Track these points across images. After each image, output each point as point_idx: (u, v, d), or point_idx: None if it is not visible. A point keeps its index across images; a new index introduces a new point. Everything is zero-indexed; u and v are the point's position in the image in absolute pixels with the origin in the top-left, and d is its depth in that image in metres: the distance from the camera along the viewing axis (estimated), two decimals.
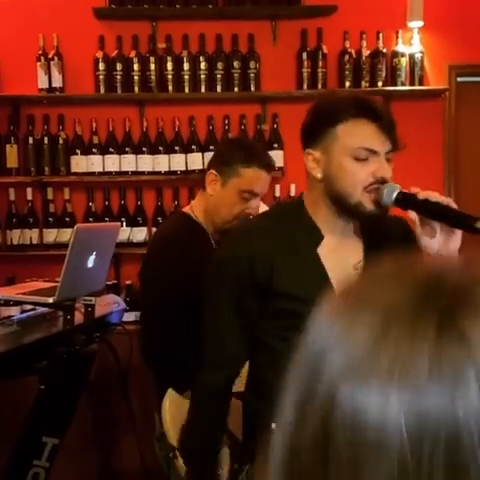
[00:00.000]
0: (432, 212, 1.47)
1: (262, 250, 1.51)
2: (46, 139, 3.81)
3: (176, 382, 2.06)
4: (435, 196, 1.46)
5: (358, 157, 1.50)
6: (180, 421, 2.09)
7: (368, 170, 1.50)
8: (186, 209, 2.41)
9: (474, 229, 1.40)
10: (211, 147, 3.80)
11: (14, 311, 3.63)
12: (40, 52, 3.79)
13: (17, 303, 2.28)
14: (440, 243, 1.47)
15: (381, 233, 1.59)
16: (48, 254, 3.82)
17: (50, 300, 2.09)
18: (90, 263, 2.17)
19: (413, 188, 1.51)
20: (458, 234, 1.47)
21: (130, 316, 3.28)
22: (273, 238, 1.54)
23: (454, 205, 1.47)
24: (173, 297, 2.13)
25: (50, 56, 3.78)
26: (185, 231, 2.28)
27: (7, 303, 3.55)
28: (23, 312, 2.79)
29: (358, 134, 1.50)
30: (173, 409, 2.11)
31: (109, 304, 2.56)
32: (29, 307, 2.91)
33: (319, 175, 1.56)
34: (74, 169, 3.81)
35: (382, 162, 1.51)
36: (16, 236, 3.80)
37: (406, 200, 1.48)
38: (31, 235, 3.81)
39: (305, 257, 1.54)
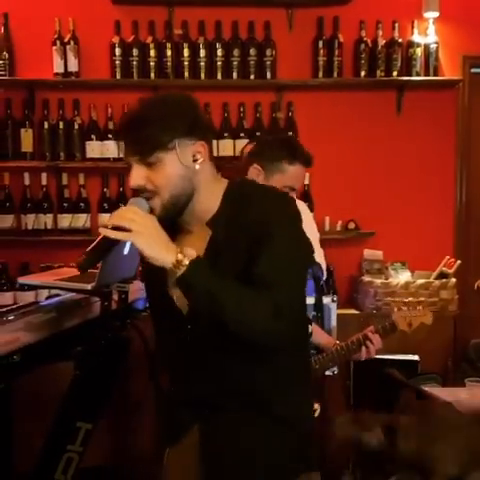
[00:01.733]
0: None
1: None
2: (61, 124, 3.80)
3: None
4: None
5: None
6: None
7: (129, 181, 1.56)
8: None
9: None
10: (225, 134, 3.82)
11: (31, 297, 3.67)
12: (56, 36, 3.76)
13: (53, 289, 2.28)
14: None
15: (237, 212, 1.56)
16: (62, 239, 3.82)
17: (88, 287, 2.10)
18: (126, 250, 2.18)
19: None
20: None
21: None
22: None
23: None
24: None
25: (66, 40, 3.76)
26: None
27: (22, 288, 3.57)
28: (48, 298, 2.81)
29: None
30: None
31: (137, 291, 2.57)
32: (53, 293, 2.93)
33: None
34: (89, 154, 3.80)
35: (131, 173, 1.53)
36: (30, 221, 3.80)
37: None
38: (45, 220, 3.81)
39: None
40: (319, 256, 2.84)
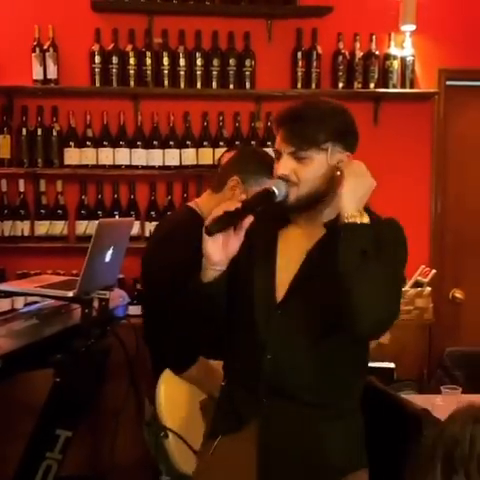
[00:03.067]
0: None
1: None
2: (40, 131, 3.79)
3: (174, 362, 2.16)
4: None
5: (276, 157, 1.71)
6: (175, 403, 2.17)
7: (277, 168, 1.69)
8: (192, 205, 2.43)
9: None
10: (205, 143, 3.84)
11: (6, 304, 3.64)
12: (35, 43, 3.76)
13: (21, 295, 2.28)
14: None
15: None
16: (39, 246, 3.80)
17: (70, 294, 2.10)
18: (108, 257, 2.20)
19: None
20: None
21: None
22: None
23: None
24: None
25: (45, 47, 3.76)
26: (190, 227, 2.30)
27: (8, 295, 3.55)
28: (26, 305, 2.80)
29: (277, 138, 1.71)
30: (168, 391, 2.19)
31: (117, 298, 2.58)
32: (30, 300, 2.92)
33: None
34: (67, 161, 3.79)
35: (282, 162, 1.67)
36: (7, 228, 3.77)
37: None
38: (22, 227, 3.79)
39: (269, 235, 1.75)
40: None
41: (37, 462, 2.24)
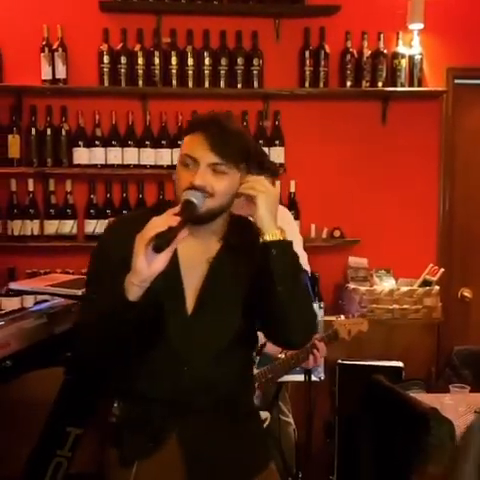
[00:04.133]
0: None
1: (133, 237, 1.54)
2: (49, 130, 3.81)
3: None
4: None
5: (184, 163, 1.63)
6: None
7: (189, 176, 1.61)
8: None
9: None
10: None
11: (16, 302, 3.66)
12: (44, 43, 3.78)
13: (32, 294, 2.29)
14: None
15: (240, 238, 1.73)
16: (49, 245, 3.82)
17: (79, 293, 2.11)
18: None
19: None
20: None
21: None
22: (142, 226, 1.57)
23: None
24: None
25: (54, 47, 3.78)
26: None
27: (18, 294, 3.57)
28: (36, 303, 2.81)
29: (187, 144, 1.65)
30: None
31: None
32: (39, 298, 2.94)
33: (174, 176, 1.71)
34: (76, 161, 3.81)
35: (200, 171, 1.60)
36: (17, 227, 3.80)
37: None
38: (32, 226, 3.81)
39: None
40: (304, 262, 2.87)
41: (47, 460, 2.24)
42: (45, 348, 2.07)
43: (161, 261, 1.48)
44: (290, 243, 1.65)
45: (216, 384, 1.68)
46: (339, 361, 3.60)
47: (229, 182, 1.64)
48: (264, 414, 2.44)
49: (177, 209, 1.51)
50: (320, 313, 2.80)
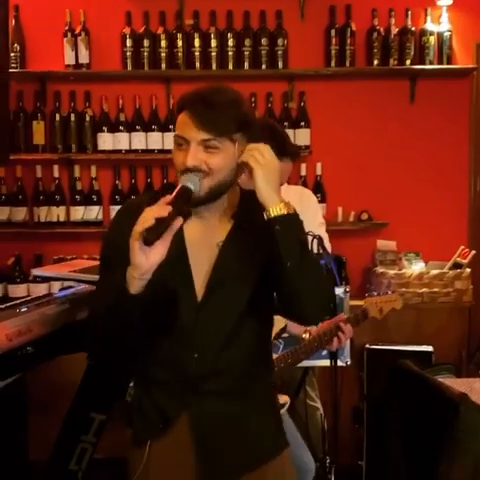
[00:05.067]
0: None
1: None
2: (73, 116, 3.80)
3: None
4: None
5: (178, 143, 1.59)
6: None
7: (181, 157, 1.57)
8: None
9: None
10: None
11: (44, 288, 3.68)
12: (67, 28, 3.76)
13: (66, 281, 2.29)
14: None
15: (252, 216, 1.66)
16: (75, 231, 3.83)
17: None
18: None
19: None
20: None
21: None
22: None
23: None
24: None
25: (77, 32, 3.76)
26: None
27: (35, 280, 3.59)
28: (61, 289, 2.81)
29: (178, 124, 1.60)
30: None
31: None
32: (66, 284, 2.94)
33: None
34: (101, 147, 3.80)
35: (191, 150, 1.55)
36: (43, 213, 3.81)
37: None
38: (58, 212, 3.82)
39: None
40: (327, 244, 2.82)
41: (72, 445, 2.26)
42: (68, 334, 2.06)
43: (159, 253, 1.44)
44: (296, 216, 1.58)
45: (227, 368, 1.66)
46: (367, 346, 3.55)
47: (224, 156, 1.57)
48: (283, 398, 2.40)
49: (170, 197, 1.46)
50: (345, 297, 2.75)
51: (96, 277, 2.13)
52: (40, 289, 3.66)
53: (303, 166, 3.83)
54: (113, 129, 3.80)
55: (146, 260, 1.44)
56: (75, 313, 2.12)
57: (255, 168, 1.54)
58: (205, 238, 1.65)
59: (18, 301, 2.22)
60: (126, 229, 1.50)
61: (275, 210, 1.55)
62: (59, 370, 2.80)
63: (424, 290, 3.68)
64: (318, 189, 3.81)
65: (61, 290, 2.68)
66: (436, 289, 3.68)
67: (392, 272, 3.72)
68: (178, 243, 1.59)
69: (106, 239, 1.70)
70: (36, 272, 2.34)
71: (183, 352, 1.63)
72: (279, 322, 2.36)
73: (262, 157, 1.56)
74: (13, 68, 3.71)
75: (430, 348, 3.49)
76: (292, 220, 1.57)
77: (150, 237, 1.41)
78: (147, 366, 1.69)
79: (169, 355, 1.65)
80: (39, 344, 1.90)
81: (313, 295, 1.60)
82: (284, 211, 1.55)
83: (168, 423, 1.66)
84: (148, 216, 1.42)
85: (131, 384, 1.75)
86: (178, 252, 1.60)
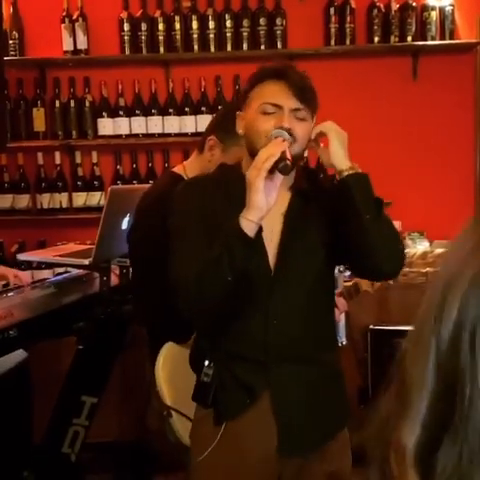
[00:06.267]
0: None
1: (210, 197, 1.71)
2: (72, 102, 3.80)
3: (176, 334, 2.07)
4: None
5: (264, 111, 1.67)
6: (174, 379, 2.08)
7: (271, 122, 1.66)
8: (178, 169, 2.33)
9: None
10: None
11: (47, 274, 3.71)
12: (64, 14, 3.75)
13: (52, 265, 2.29)
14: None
15: (309, 187, 1.78)
16: (78, 218, 3.84)
17: (86, 262, 2.10)
18: (124, 225, 2.18)
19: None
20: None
21: None
22: (216, 186, 1.74)
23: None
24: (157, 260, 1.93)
25: (74, 17, 3.75)
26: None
27: (40, 266, 3.62)
28: (56, 275, 2.83)
29: (265, 92, 1.69)
30: (167, 366, 2.11)
31: None
32: (61, 270, 2.95)
33: (241, 131, 1.76)
34: (101, 132, 3.80)
35: (284, 115, 1.65)
36: (46, 200, 3.82)
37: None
38: (60, 199, 3.83)
39: (243, 199, 1.63)
40: None
41: (64, 427, 2.28)
42: (53, 318, 2.07)
43: (273, 197, 1.55)
44: (367, 176, 1.70)
45: (303, 336, 1.71)
46: (371, 327, 3.52)
47: (308, 128, 1.69)
48: None
49: (278, 140, 1.58)
50: (339, 276, 2.71)
51: (80, 261, 2.14)
52: (44, 275, 3.69)
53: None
54: (113, 114, 3.80)
55: (266, 202, 1.53)
56: (61, 298, 2.13)
57: (330, 134, 1.68)
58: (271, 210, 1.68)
59: (8, 287, 2.23)
60: (199, 201, 1.66)
61: (349, 170, 1.66)
62: (63, 354, 2.83)
63: (428, 269, 3.63)
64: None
65: (56, 276, 2.70)
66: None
67: None
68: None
69: (180, 210, 1.73)
70: (21, 257, 2.35)
71: (261, 321, 1.67)
72: None
73: (335, 126, 1.72)
74: (12, 55, 3.72)
75: None
76: (365, 178, 1.68)
77: (286, 166, 1.53)
78: (226, 341, 1.72)
79: (247, 326, 1.68)
80: (22, 328, 1.90)
81: (392, 246, 1.69)
82: (357, 170, 1.68)
83: (253, 398, 1.69)
84: (271, 152, 1.54)
85: (206, 363, 1.73)
86: None
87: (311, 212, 1.73)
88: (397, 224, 3.83)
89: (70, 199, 3.85)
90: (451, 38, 3.80)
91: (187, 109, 3.79)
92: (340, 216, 1.68)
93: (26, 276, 2.23)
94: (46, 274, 3.68)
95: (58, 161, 3.83)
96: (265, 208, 1.53)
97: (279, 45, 3.78)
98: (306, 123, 1.69)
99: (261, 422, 1.69)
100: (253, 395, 1.69)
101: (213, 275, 1.56)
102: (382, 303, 2.86)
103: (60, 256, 2.18)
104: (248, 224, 1.53)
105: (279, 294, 1.69)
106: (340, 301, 2.50)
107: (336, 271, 2.75)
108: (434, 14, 3.77)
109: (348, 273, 3.52)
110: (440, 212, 3.88)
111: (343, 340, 2.73)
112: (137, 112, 3.80)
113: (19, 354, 2.07)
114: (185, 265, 1.61)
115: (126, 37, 3.77)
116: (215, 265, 1.55)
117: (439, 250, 3.67)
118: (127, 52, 3.78)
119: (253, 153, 1.65)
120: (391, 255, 1.69)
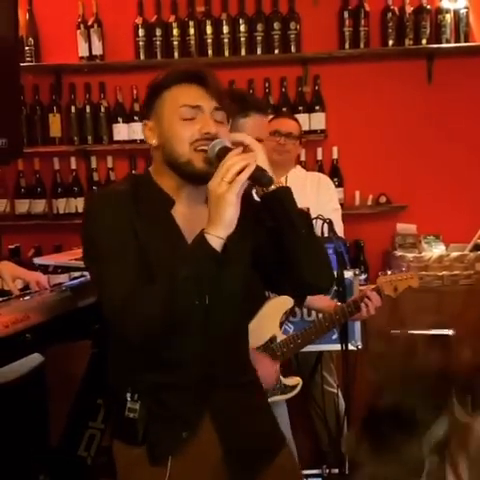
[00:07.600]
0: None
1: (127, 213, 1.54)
2: (88, 108, 3.83)
3: None
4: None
5: (184, 116, 1.54)
6: None
7: (194, 128, 1.54)
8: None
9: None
10: None
11: (63, 278, 3.73)
12: (80, 20, 3.78)
13: (68, 269, 2.30)
14: None
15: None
16: None
17: None
18: None
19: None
20: None
21: None
22: (131, 201, 1.57)
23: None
24: None
25: (90, 23, 3.78)
26: None
27: (56, 270, 3.64)
28: (72, 279, 2.84)
29: (182, 95, 1.56)
30: None
31: None
32: (77, 274, 2.97)
33: (154, 142, 1.60)
34: (116, 137, 3.82)
35: (207, 119, 1.55)
36: (62, 205, 3.85)
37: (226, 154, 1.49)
38: (76, 204, 3.85)
39: (159, 217, 1.57)
40: (340, 231, 2.81)
41: (80, 431, 2.28)
42: (69, 322, 2.08)
43: (238, 209, 1.44)
44: (290, 188, 1.62)
45: (234, 358, 1.67)
46: (392, 331, 3.50)
47: (226, 130, 1.60)
48: (294, 380, 2.38)
49: (238, 150, 1.49)
50: (355, 280, 2.71)
51: None
52: (60, 279, 3.71)
53: (319, 150, 3.79)
54: (128, 119, 3.82)
55: (236, 216, 1.44)
56: (76, 301, 2.13)
57: (258, 150, 1.56)
58: (197, 222, 1.56)
59: (25, 292, 2.25)
60: (131, 216, 1.52)
61: (277, 184, 1.58)
62: (78, 357, 2.84)
63: (444, 273, 3.61)
64: (335, 173, 3.77)
65: (72, 280, 2.71)
66: (457, 272, 3.61)
67: (411, 255, 3.66)
68: (172, 229, 1.57)
69: (103, 230, 1.54)
70: (38, 261, 2.37)
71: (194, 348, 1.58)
72: (284, 305, 2.34)
73: (255, 141, 1.59)
74: (28, 62, 3.75)
75: (450, 332, 3.43)
76: (291, 191, 1.61)
77: (272, 178, 1.51)
78: (151, 371, 1.59)
79: (177, 351, 1.56)
80: (38, 331, 1.91)
81: (324, 260, 1.64)
82: (282, 183, 1.61)
83: (193, 428, 1.57)
84: (236, 167, 1.43)
85: (128, 398, 1.58)
86: (177, 239, 1.56)
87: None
88: (413, 227, 3.86)
89: None
90: (466, 41, 3.78)
91: None
92: (272, 230, 1.59)
93: (46, 281, 2.23)
94: (62, 278, 3.71)
95: (74, 166, 3.85)
96: (234, 222, 1.42)
97: (293, 49, 3.79)
98: (225, 127, 1.59)
99: (206, 454, 1.58)
100: (192, 426, 1.57)
101: (181, 302, 1.43)
102: (398, 307, 2.83)
103: (76, 260, 2.19)
104: (218, 242, 1.43)
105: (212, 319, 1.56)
106: (374, 295, 2.48)
107: (351, 274, 2.76)
108: (448, 17, 3.76)
109: (363, 276, 3.53)
110: (456, 216, 3.85)
111: (359, 344, 2.73)
112: None
113: (35, 358, 2.08)
114: (119, 285, 1.47)
115: (141, 42, 3.80)
116: (182, 291, 1.42)
117: (455, 254, 3.65)
118: (142, 57, 3.80)
119: (173, 164, 1.54)
120: (326, 268, 1.65)
